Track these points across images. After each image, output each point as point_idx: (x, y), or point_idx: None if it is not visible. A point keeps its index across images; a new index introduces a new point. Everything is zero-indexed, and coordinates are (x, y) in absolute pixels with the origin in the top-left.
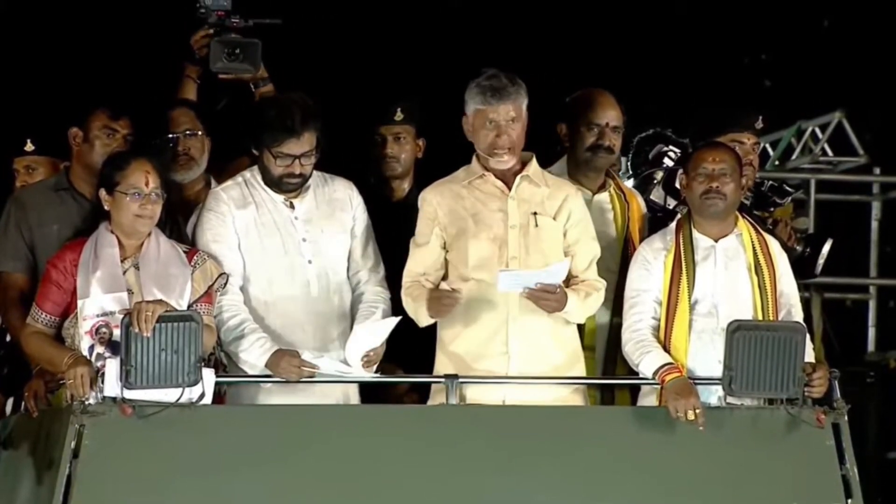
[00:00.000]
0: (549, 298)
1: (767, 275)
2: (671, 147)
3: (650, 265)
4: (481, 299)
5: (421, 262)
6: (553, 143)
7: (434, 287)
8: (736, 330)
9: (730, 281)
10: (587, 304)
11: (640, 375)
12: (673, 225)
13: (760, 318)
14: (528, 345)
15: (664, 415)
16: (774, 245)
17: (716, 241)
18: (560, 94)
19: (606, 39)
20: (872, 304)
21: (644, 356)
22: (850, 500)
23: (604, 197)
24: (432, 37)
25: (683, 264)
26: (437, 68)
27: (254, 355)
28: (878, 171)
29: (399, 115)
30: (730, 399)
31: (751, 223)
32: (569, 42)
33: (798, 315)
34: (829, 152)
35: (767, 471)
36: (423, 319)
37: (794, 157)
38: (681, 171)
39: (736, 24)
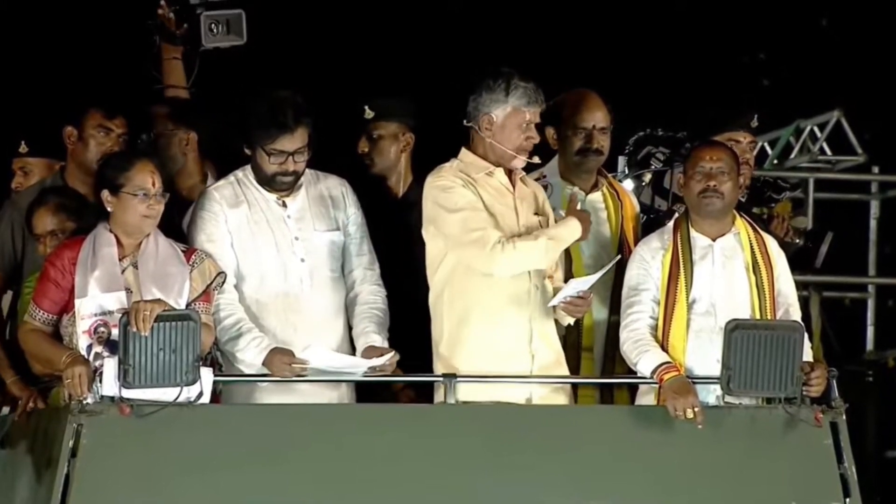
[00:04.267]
0: (582, 305)
1: (765, 274)
2: (659, 149)
3: (648, 264)
4: (505, 299)
5: (487, 222)
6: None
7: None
8: (734, 329)
9: (727, 280)
10: None
11: (638, 374)
12: (670, 224)
13: (758, 317)
14: (547, 343)
15: (663, 414)
16: (772, 244)
17: (713, 240)
18: (557, 94)
19: (605, 39)
20: (871, 303)
21: (642, 355)
22: (848, 499)
23: (597, 196)
24: (430, 34)
25: (681, 263)
26: (435, 65)
27: (250, 354)
28: (876, 169)
29: (368, 113)
30: (728, 398)
31: (749, 222)
32: (566, 41)
33: (796, 314)
34: (828, 151)
35: (766, 470)
36: (556, 245)
37: (792, 155)
38: (678, 170)
39: (734, 24)
